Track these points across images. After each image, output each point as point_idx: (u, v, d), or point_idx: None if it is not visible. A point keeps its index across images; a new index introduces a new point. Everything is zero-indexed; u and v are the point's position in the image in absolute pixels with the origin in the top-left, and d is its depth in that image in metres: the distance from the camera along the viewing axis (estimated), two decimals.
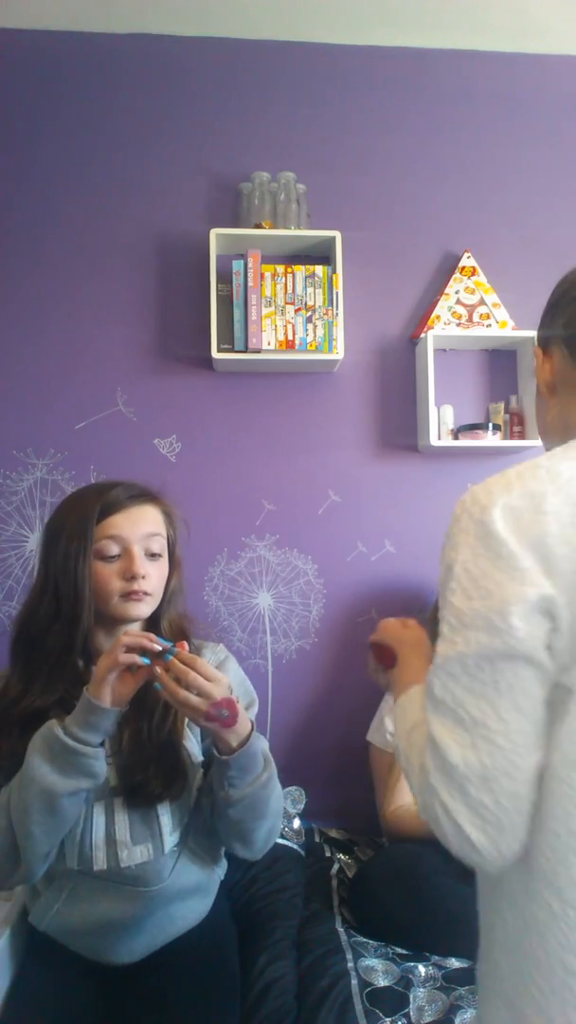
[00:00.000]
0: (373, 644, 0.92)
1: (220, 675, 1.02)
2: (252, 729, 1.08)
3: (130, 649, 1.01)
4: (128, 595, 1.13)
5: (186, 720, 1.18)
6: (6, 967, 1.20)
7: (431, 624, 1.62)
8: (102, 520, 1.14)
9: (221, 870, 1.29)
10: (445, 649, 0.63)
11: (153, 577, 1.16)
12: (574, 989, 0.59)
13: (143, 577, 1.13)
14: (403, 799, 1.63)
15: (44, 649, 1.14)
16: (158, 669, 1.00)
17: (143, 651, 1.01)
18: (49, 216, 1.97)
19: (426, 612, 2.00)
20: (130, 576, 1.13)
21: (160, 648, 1.00)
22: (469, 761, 0.60)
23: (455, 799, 0.60)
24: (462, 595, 0.62)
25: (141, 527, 1.16)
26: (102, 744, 1.04)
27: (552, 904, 0.60)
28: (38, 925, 1.18)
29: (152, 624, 1.22)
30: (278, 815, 1.16)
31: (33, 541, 1.92)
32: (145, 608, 1.16)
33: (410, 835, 1.57)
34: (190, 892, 1.20)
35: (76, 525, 1.14)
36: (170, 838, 1.15)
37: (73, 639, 1.13)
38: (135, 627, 1.19)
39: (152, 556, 1.17)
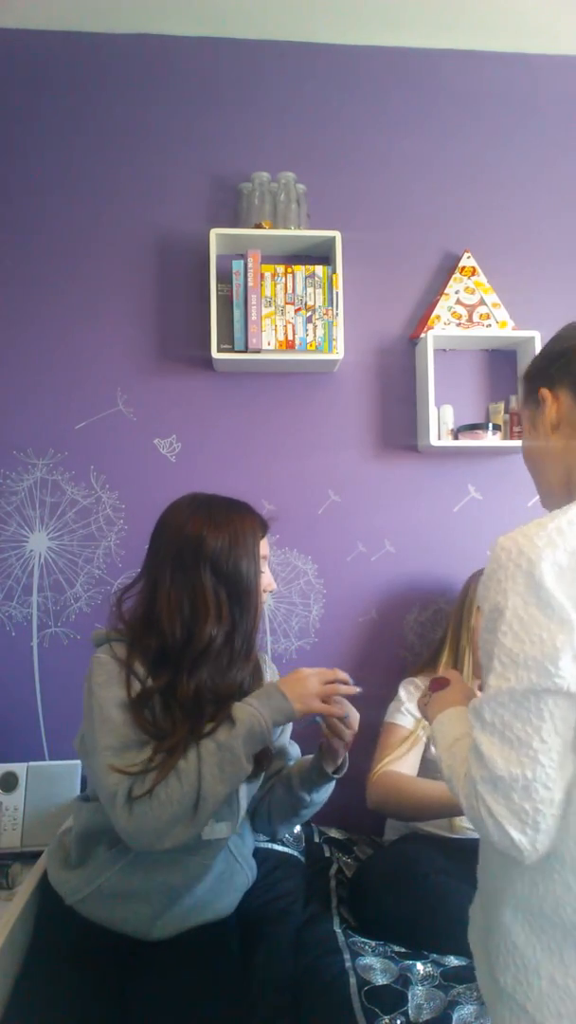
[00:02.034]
0: (434, 679, 1.06)
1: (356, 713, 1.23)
2: None
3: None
4: None
5: None
6: (9, 965, 1.20)
7: (453, 638, 1.70)
8: (261, 540, 1.30)
9: (252, 873, 1.38)
10: (498, 683, 0.73)
11: None
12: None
13: None
14: (390, 766, 1.62)
15: (205, 647, 1.21)
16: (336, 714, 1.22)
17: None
18: (49, 216, 1.98)
19: (425, 612, 2.00)
20: (269, 590, 1.31)
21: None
22: (514, 774, 0.71)
23: (499, 804, 0.71)
24: (513, 638, 0.72)
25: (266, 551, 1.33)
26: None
27: (570, 881, 0.73)
28: (76, 894, 1.22)
29: None
30: None
31: (33, 541, 1.93)
32: None
33: (387, 800, 1.57)
34: (227, 877, 1.29)
35: (252, 543, 1.27)
36: (241, 816, 1.26)
37: (249, 643, 1.26)
38: None
39: None
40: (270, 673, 1.40)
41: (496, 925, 0.79)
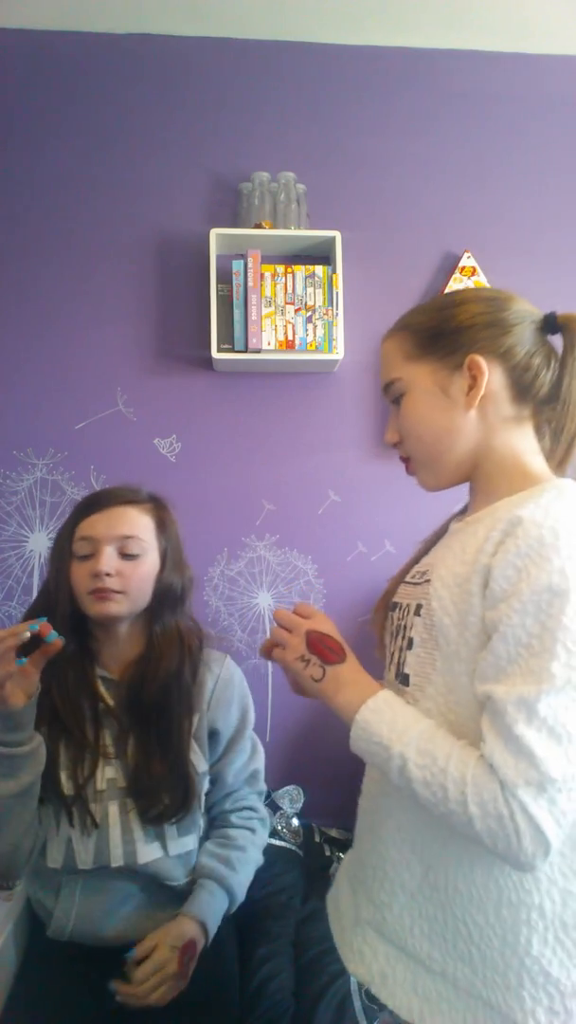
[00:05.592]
0: (315, 633, 0.83)
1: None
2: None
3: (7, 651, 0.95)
4: (94, 592, 1.15)
5: (192, 731, 1.21)
6: (9, 965, 1.21)
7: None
8: (81, 521, 1.18)
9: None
10: (566, 672, 0.66)
11: (127, 577, 1.16)
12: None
13: (108, 575, 1.14)
14: None
15: None
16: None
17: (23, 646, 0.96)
18: (49, 216, 1.98)
19: None
20: (94, 574, 1.14)
21: (30, 634, 0.94)
22: (567, 774, 0.65)
23: (543, 809, 0.65)
24: None
25: (116, 528, 1.17)
26: (36, 728, 1.05)
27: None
28: (62, 935, 1.16)
29: (146, 627, 1.23)
30: None
31: (33, 541, 1.93)
32: (115, 607, 1.16)
33: None
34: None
35: (64, 527, 1.21)
36: (174, 843, 1.18)
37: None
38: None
39: (127, 556, 1.17)
40: (219, 674, 1.27)
41: (515, 962, 0.73)
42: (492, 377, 0.82)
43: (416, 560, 0.95)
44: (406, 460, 0.90)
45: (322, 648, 0.82)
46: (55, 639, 0.95)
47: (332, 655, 0.82)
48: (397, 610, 0.91)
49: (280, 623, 0.86)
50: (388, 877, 0.81)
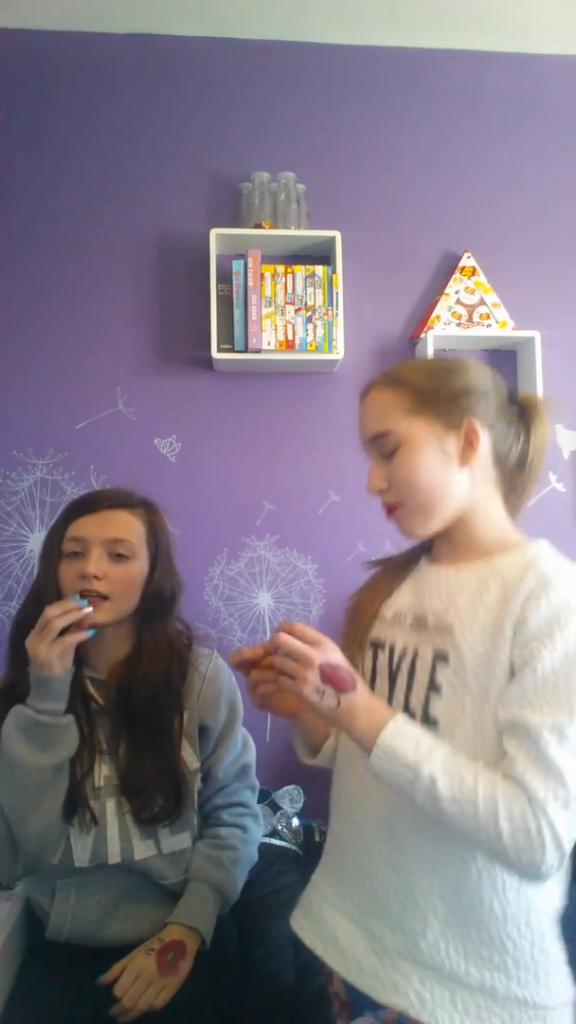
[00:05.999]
0: (326, 664, 0.84)
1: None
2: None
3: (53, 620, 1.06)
4: (81, 594, 1.13)
5: (182, 728, 1.22)
6: (9, 965, 1.20)
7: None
8: (72, 522, 1.19)
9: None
10: None
11: (113, 579, 1.15)
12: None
13: (96, 577, 1.13)
14: None
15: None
16: None
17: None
18: (49, 216, 1.98)
19: None
20: (81, 575, 1.14)
21: (80, 607, 1.08)
22: None
23: (564, 824, 0.73)
24: None
25: (106, 530, 1.17)
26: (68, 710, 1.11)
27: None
28: (59, 936, 1.17)
29: (133, 630, 1.23)
30: None
31: (33, 541, 1.93)
32: (100, 616, 1.13)
33: None
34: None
35: (55, 527, 1.22)
36: (167, 841, 1.19)
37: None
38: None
39: (116, 558, 1.17)
40: (205, 672, 1.27)
41: (542, 958, 0.82)
42: (482, 441, 0.90)
43: (384, 591, 1.02)
44: (390, 507, 0.96)
45: (336, 680, 0.84)
46: (88, 611, 1.07)
47: (345, 684, 0.84)
48: (386, 651, 0.95)
49: (289, 653, 0.85)
50: (419, 906, 0.84)
